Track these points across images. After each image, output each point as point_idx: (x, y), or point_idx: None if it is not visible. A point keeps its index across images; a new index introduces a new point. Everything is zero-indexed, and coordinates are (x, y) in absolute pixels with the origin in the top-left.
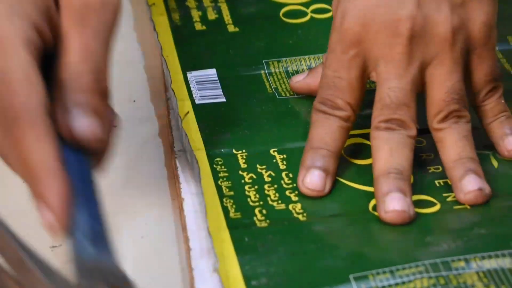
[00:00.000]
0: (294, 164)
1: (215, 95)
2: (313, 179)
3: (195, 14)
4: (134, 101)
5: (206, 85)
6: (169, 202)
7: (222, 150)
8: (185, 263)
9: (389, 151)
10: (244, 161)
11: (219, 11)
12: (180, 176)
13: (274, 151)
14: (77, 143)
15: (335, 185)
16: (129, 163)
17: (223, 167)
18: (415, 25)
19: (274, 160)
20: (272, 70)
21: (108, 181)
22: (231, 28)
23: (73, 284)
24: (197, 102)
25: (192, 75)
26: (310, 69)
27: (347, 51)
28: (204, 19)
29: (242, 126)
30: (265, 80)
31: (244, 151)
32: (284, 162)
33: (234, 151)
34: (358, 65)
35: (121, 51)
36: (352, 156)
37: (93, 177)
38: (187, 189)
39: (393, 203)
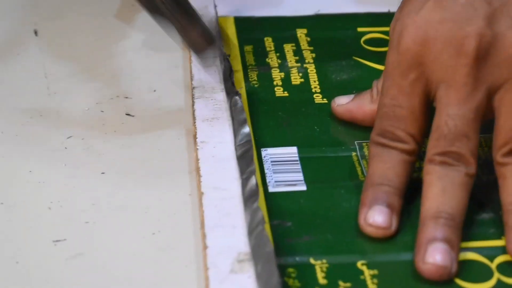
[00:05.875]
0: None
1: (294, 180)
2: (376, 215)
3: (277, 76)
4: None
5: (284, 167)
6: (187, 195)
7: (297, 258)
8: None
9: (442, 191)
10: (324, 274)
11: (305, 75)
12: (201, 168)
13: (362, 264)
14: None
15: None
16: (147, 154)
17: (296, 281)
18: (483, 43)
19: (362, 276)
20: (366, 153)
21: (125, 173)
22: (318, 98)
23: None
24: (270, 190)
25: (268, 152)
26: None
27: (407, 75)
28: (286, 82)
29: (324, 228)
30: (357, 164)
31: (324, 261)
32: (375, 280)
33: (312, 260)
34: (420, 90)
35: None
36: None
37: None
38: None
39: (435, 254)
